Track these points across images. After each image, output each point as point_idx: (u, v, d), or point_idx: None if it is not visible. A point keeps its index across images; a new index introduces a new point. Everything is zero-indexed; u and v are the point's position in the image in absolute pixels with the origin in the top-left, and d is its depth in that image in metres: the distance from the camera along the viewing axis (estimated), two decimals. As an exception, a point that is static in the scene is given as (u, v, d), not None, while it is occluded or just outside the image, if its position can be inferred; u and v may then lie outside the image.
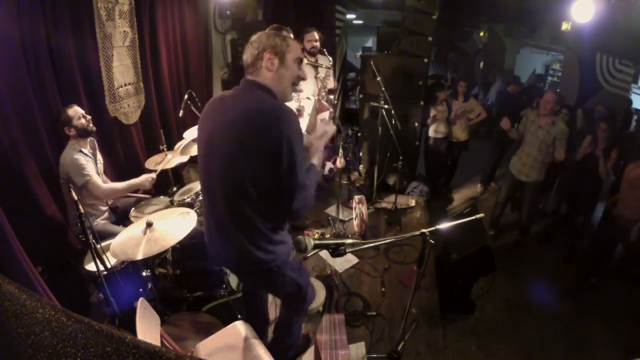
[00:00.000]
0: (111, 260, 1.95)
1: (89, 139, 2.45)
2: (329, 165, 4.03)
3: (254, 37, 1.47)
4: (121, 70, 2.87)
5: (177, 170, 3.22)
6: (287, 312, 1.89)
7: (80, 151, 2.36)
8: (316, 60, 3.38)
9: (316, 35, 3.41)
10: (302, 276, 1.73)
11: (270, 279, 1.62)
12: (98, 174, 2.47)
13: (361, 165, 4.47)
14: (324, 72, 3.46)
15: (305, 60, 3.24)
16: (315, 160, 1.59)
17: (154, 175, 2.61)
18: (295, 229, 3.36)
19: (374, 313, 2.55)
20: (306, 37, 3.40)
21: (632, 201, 3.09)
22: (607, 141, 3.51)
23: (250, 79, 1.47)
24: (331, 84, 3.51)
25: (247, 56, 1.46)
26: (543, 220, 4.41)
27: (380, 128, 3.57)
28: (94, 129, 2.42)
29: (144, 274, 2.35)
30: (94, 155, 2.52)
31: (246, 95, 1.45)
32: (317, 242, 1.36)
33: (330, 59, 3.47)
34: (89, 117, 2.39)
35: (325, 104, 3.31)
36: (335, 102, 3.80)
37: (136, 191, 2.70)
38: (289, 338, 1.94)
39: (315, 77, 3.30)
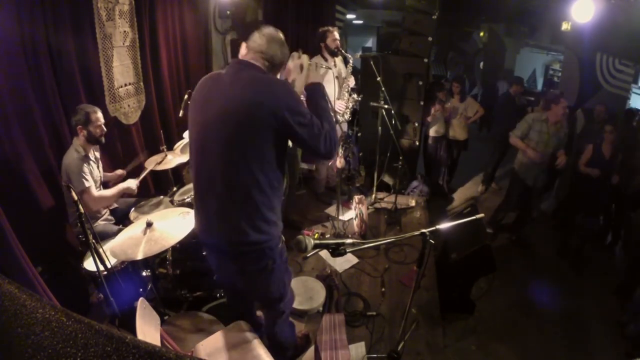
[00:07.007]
0: (111, 260, 1.94)
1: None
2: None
3: (280, 37, 1.55)
4: (121, 70, 2.87)
5: (177, 170, 3.22)
6: (269, 316, 1.87)
7: (86, 156, 2.35)
8: (335, 62, 3.32)
9: (336, 34, 3.29)
10: (287, 271, 1.78)
11: (261, 264, 1.58)
12: (95, 180, 2.44)
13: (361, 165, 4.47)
14: (345, 72, 3.41)
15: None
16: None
17: (137, 181, 2.60)
18: (295, 228, 3.36)
19: (374, 313, 2.55)
20: (330, 37, 3.24)
21: None
22: (612, 145, 3.54)
23: (252, 62, 1.49)
24: (353, 82, 3.46)
25: (281, 55, 1.54)
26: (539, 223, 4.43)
27: (380, 128, 3.57)
28: (103, 141, 2.43)
29: (144, 274, 2.35)
30: (97, 161, 2.52)
31: (245, 77, 1.46)
32: (317, 242, 1.36)
33: (350, 56, 3.36)
34: (105, 129, 2.41)
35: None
36: (359, 99, 3.73)
37: (123, 195, 2.67)
38: (284, 338, 1.93)
39: (336, 78, 3.24)
